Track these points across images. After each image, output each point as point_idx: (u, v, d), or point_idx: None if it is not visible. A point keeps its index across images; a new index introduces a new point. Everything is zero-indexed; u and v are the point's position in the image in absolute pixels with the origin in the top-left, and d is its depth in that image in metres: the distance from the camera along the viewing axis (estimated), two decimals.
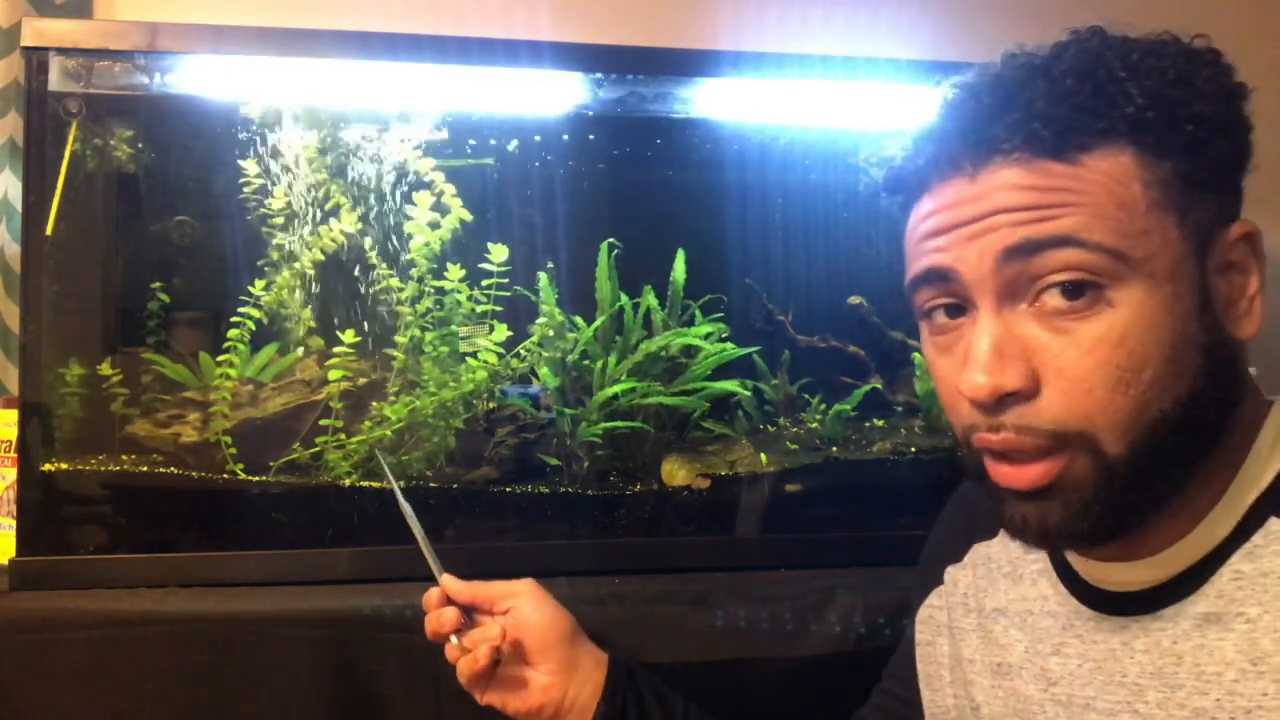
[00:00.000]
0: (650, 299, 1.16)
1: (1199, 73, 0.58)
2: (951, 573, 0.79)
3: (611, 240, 1.13)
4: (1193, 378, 0.56)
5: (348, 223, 1.11)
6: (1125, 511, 0.58)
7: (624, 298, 1.14)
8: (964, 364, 0.59)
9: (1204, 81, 0.58)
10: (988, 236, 0.58)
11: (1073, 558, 0.68)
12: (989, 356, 0.57)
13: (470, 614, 0.89)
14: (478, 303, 1.12)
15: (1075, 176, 0.56)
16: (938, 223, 0.60)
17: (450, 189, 1.12)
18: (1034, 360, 0.57)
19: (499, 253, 1.11)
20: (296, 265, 1.11)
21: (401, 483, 1.07)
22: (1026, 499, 0.59)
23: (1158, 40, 0.59)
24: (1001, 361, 0.57)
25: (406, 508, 0.92)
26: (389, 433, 1.08)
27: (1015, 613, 0.71)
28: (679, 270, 1.16)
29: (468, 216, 1.12)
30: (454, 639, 0.85)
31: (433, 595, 0.88)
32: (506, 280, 1.12)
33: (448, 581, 0.89)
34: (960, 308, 0.61)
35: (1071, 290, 0.56)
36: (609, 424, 1.09)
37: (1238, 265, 0.59)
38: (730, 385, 1.16)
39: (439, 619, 0.86)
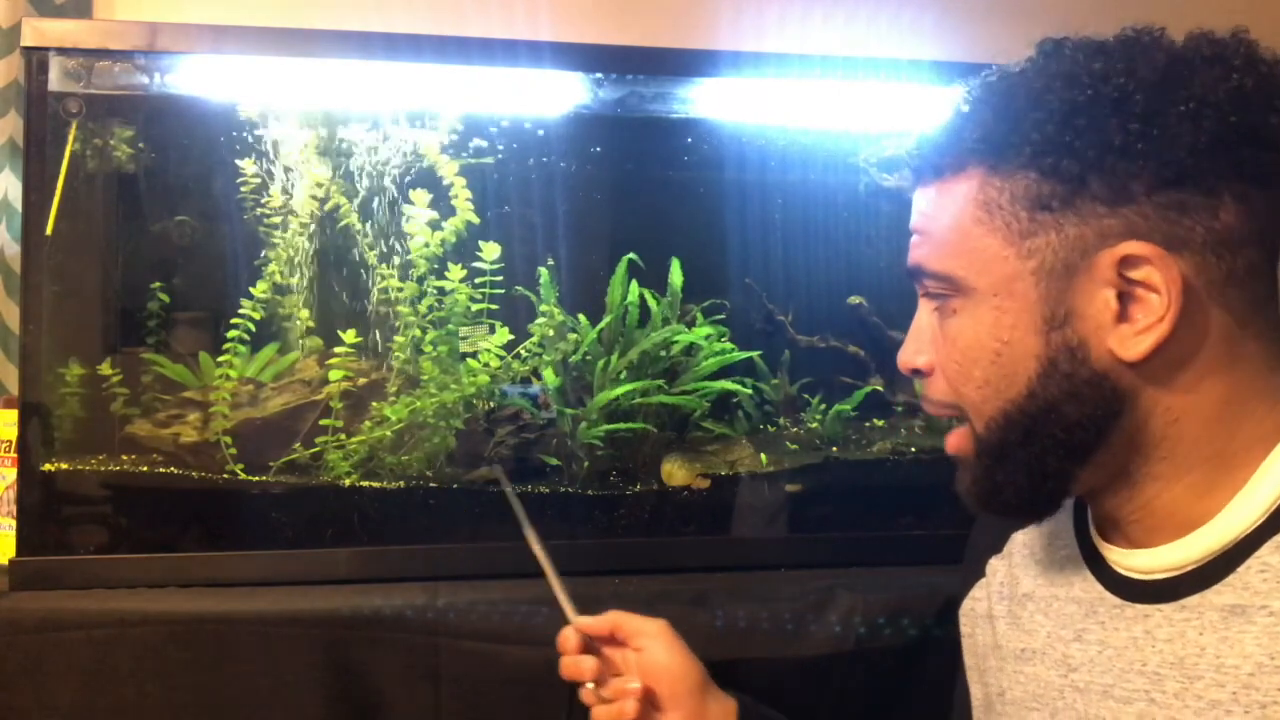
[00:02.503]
0: (652, 301, 1.16)
1: (1067, 90, 0.59)
2: (993, 564, 0.80)
3: (633, 256, 1.14)
4: (1026, 383, 0.62)
5: (324, 181, 1.11)
6: (1003, 484, 0.65)
7: (633, 292, 1.14)
8: None
9: (1064, 98, 0.58)
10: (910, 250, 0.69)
11: (1101, 544, 0.68)
12: (906, 341, 0.70)
13: (598, 650, 0.86)
14: (476, 301, 1.12)
15: (938, 203, 0.65)
16: None
17: (466, 192, 1.12)
18: (932, 346, 0.68)
19: (490, 251, 1.11)
20: (286, 236, 1.11)
21: (401, 483, 1.07)
22: (958, 465, 0.69)
23: (1077, 50, 0.61)
24: (911, 345, 0.69)
25: (534, 542, 0.88)
26: (389, 432, 1.09)
27: (1042, 598, 0.72)
28: (675, 276, 1.16)
29: (475, 219, 1.12)
30: (590, 686, 0.83)
31: (570, 638, 0.85)
32: (501, 279, 1.12)
33: (582, 621, 0.86)
34: None
35: (934, 294, 0.67)
36: (610, 426, 1.09)
37: (1140, 283, 0.58)
38: (730, 385, 1.16)
39: (577, 666, 0.84)
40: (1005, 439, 0.63)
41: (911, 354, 0.69)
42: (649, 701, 0.84)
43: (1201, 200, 0.58)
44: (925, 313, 0.69)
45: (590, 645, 0.85)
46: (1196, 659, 0.59)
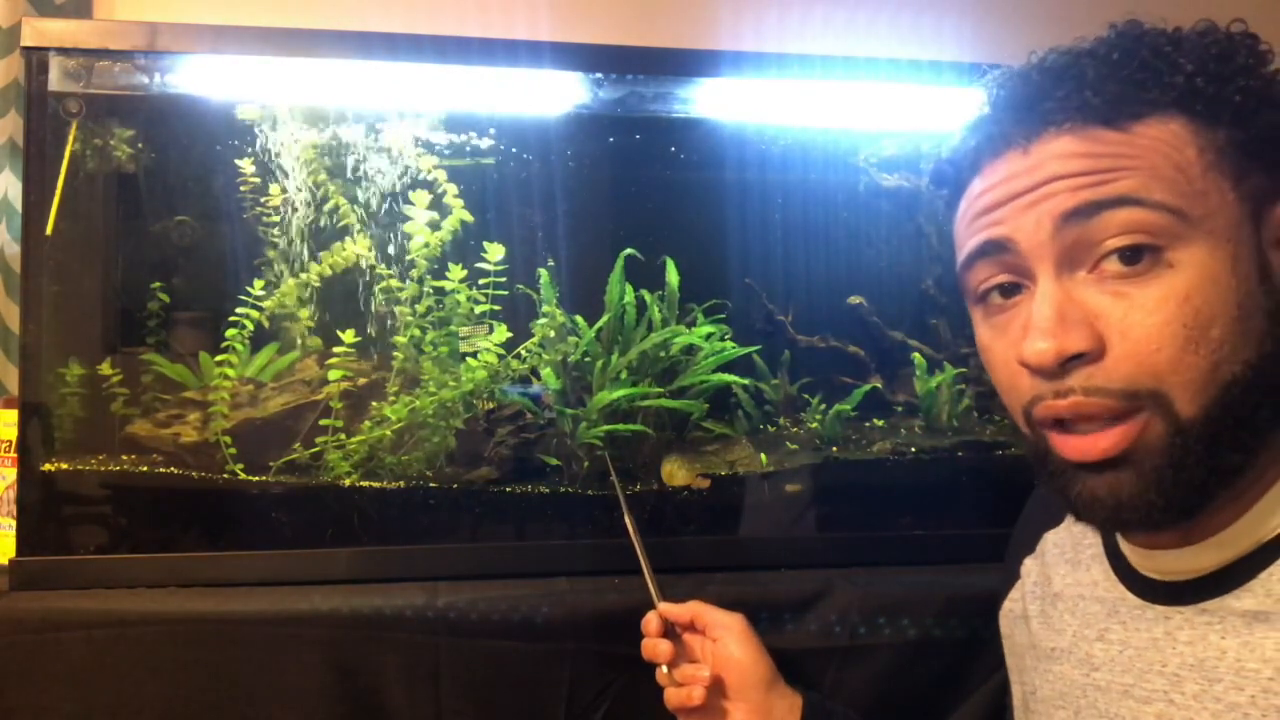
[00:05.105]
0: (651, 301, 1.16)
1: (1239, 51, 0.59)
2: (1027, 564, 0.81)
3: (631, 250, 1.14)
4: (1260, 340, 0.56)
5: (361, 246, 1.12)
6: (1198, 481, 0.57)
7: (629, 293, 1.14)
8: (1024, 337, 0.59)
9: (1244, 58, 0.58)
10: (1044, 203, 0.58)
11: (1123, 544, 0.68)
12: (1051, 321, 0.58)
13: (678, 635, 0.92)
14: (477, 303, 1.12)
15: (1128, 143, 0.57)
16: (992, 198, 0.62)
17: (452, 189, 1.12)
18: (1097, 324, 0.57)
19: (495, 252, 1.11)
20: (303, 276, 1.12)
21: (401, 483, 1.07)
22: (1097, 471, 0.59)
23: (1195, 26, 0.60)
24: (1064, 325, 0.57)
25: (631, 528, 0.95)
26: (389, 432, 1.09)
27: (1069, 597, 0.72)
28: (672, 276, 1.16)
29: (469, 218, 1.12)
30: (665, 668, 0.89)
31: (652, 621, 0.90)
32: (504, 280, 1.12)
33: (665, 608, 0.91)
34: (1016, 286, 0.62)
35: (1130, 255, 0.56)
36: (609, 427, 1.09)
37: None
38: (728, 378, 1.16)
39: (654, 648, 0.89)
40: (1223, 418, 0.56)
41: (1065, 336, 0.57)
42: (718, 690, 0.88)
43: None
44: (1070, 287, 0.59)
45: (670, 630, 0.90)
46: (1216, 662, 0.59)
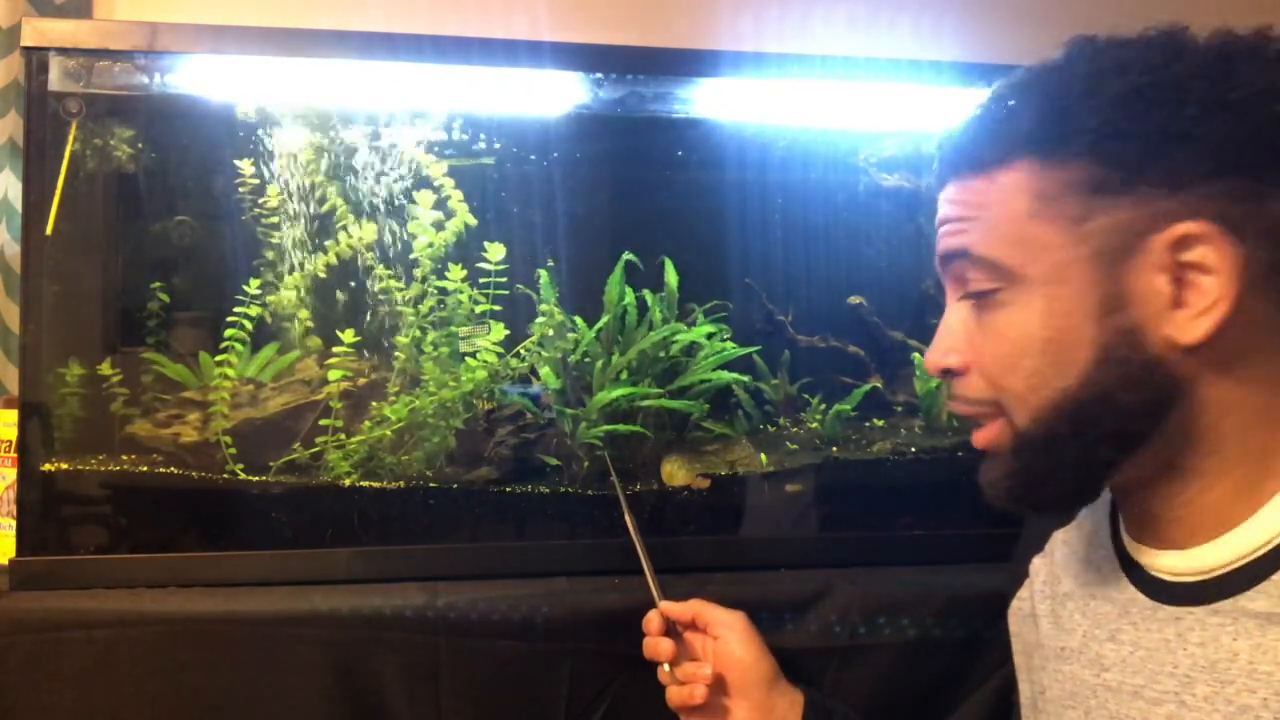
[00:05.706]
0: (652, 301, 1.16)
1: (1123, 78, 0.59)
2: (1035, 563, 0.81)
3: (630, 256, 1.14)
4: (1081, 371, 0.61)
5: (366, 234, 1.12)
6: (1048, 479, 0.65)
7: (629, 295, 1.14)
8: None
9: (1121, 86, 0.59)
10: (940, 242, 0.69)
11: (1131, 546, 0.69)
12: (936, 341, 0.70)
13: (679, 633, 0.92)
14: (477, 303, 1.12)
15: (984, 191, 0.64)
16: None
17: (458, 194, 1.12)
18: (967, 345, 0.68)
19: (496, 252, 1.11)
20: (306, 270, 1.11)
21: (401, 483, 1.07)
22: (984, 457, 0.69)
23: (1118, 44, 0.62)
24: (942, 345, 0.69)
25: (631, 527, 0.96)
26: (389, 432, 1.09)
27: (1080, 597, 0.73)
28: (671, 276, 1.16)
29: (472, 221, 1.12)
30: (666, 666, 0.90)
31: (654, 619, 0.92)
32: (505, 280, 1.12)
33: (667, 606, 0.91)
34: None
35: (976, 291, 0.66)
36: (609, 427, 1.09)
37: (1194, 266, 0.58)
38: (728, 376, 1.16)
39: (655, 647, 0.90)
40: (1053, 431, 0.63)
41: (941, 354, 0.69)
42: (719, 688, 0.89)
43: (1252, 188, 0.58)
44: (956, 311, 0.69)
45: (672, 629, 0.91)
46: (1229, 664, 0.59)
